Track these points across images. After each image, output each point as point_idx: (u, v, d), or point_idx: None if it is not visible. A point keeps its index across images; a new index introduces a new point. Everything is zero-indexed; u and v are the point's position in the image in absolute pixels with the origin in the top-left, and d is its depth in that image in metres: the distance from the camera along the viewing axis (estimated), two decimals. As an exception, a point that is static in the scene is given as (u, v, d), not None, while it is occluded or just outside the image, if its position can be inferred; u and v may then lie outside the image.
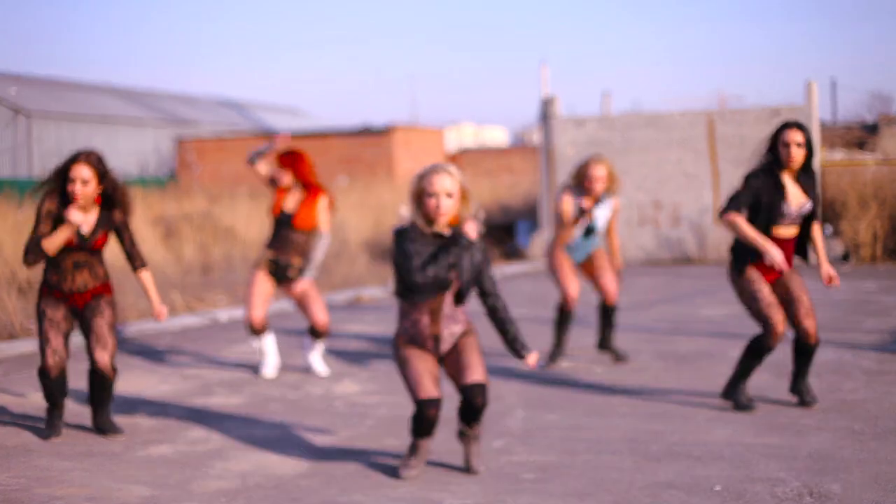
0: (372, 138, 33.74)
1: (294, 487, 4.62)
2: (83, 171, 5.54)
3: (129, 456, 5.21)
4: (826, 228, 15.26)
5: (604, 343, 7.51)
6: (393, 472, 4.78)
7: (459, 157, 39.77)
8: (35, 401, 6.39)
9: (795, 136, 5.76)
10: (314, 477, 4.78)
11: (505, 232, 18.09)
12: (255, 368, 7.49)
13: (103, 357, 5.53)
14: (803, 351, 5.90)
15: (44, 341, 5.53)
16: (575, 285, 7.39)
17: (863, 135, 19.90)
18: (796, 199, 5.81)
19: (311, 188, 7.28)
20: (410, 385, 4.62)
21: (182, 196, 21.22)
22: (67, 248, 5.57)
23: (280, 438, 5.50)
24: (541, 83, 18.39)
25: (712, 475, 4.64)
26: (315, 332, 7.27)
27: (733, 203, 5.75)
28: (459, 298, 4.68)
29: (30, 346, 8.29)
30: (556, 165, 16.57)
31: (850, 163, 16.28)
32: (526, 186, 22.18)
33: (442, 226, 4.65)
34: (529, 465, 4.87)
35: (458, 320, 4.73)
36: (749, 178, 5.82)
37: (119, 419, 5.88)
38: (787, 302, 5.87)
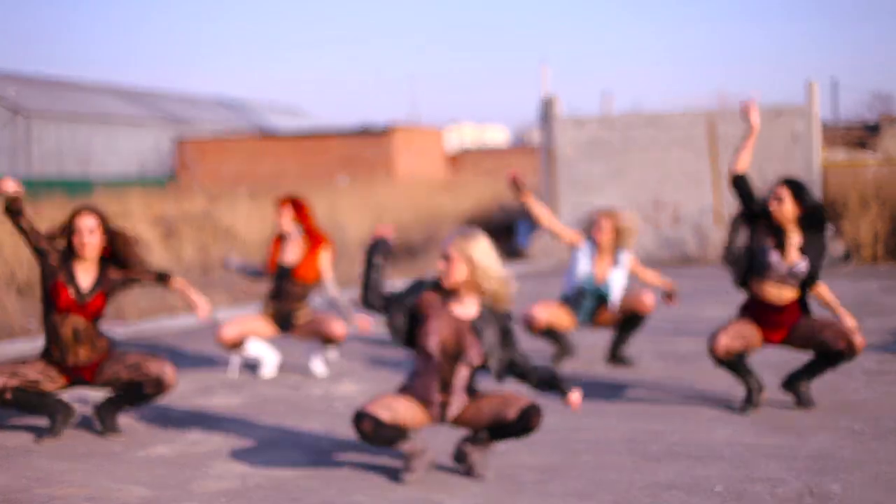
0: (372, 138, 33.74)
1: (294, 488, 4.62)
2: (88, 221, 5.49)
3: (129, 456, 5.21)
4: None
5: (615, 352, 7.34)
6: (393, 474, 4.78)
7: (459, 158, 39.76)
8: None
9: (779, 191, 5.70)
10: (314, 478, 4.78)
11: (505, 232, 18.10)
12: (254, 369, 7.49)
13: (170, 371, 5.55)
14: (838, 359, 5.78)
15: (6, 367, 5.46)
16: (545, 314, 7.12)
17: (864, 135, 19.90)
18: (789, 254, 5.73)
19: (312, 237, 7.23)
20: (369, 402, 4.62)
21: (182, 196, 21.23)
22: (65, 310, 5.47)
23: (280, 439, 5.50)
24: (541, 83, 18.39)
25: (712, 475, 4.64)
26: (330, 341, 7.23)
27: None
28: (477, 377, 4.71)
29: (28, 346, 8.28)
30: (557, 165, 16.56)
31: (852, 163, 16.29)
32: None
33: (462, 292, 4.63)
34: (530, 467, 4.87)
35: (467, 390, 4.73)
36: (734, 219, 5.85)
37: (119, 420, 5.88)
38: (820, 330, 5.78)
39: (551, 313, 7.20)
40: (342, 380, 7.11)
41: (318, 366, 7.33)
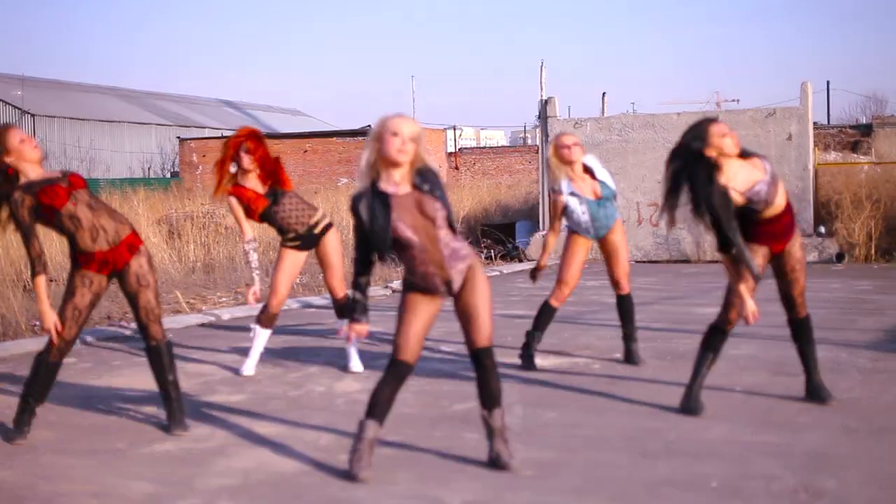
0: (372, 138, 33.72)
1: (296, 484, 4.68)
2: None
3: (133, 453, 5.26)
4: (820, 228, 15.36)
5: (628, 338, 7.46)
6: (394, 468, 4.82)
7: (458, 157, 39.78)
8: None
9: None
10: (316, 474, 4.83)
11: (504, 232, 18.14)
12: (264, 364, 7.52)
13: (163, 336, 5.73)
14: (799, 328, 5.86)
15: (68, 312, 5.50)
16: (573, 279, 7.31)
17: (857, 136, 19.95)
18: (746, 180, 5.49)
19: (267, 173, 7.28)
20: (396, 339, 4.70)
21: (185, 196, 21.29)
22: (64, 205, 5.43)
23: (282, 436, 5.55)
24: (540, 84, 18.44)
25: (709, 472, 4.69)
26: (337, 306, 7.35)
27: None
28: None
29: (35, 344, 8.33)
30: (556, 166, 16.61)
31: (845, 163, 16.36)
32: (525, 186, 22.23)
33: (404, 171, 4.65)
34: (528, 462, 4.91)
35: (460, 256, 4.69)
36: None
37: (123, 417, 5.94)
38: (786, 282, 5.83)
39: (575, 269, 7.34)
40: (344, 377, 7.17)
41: (356, 362, 7.38)
